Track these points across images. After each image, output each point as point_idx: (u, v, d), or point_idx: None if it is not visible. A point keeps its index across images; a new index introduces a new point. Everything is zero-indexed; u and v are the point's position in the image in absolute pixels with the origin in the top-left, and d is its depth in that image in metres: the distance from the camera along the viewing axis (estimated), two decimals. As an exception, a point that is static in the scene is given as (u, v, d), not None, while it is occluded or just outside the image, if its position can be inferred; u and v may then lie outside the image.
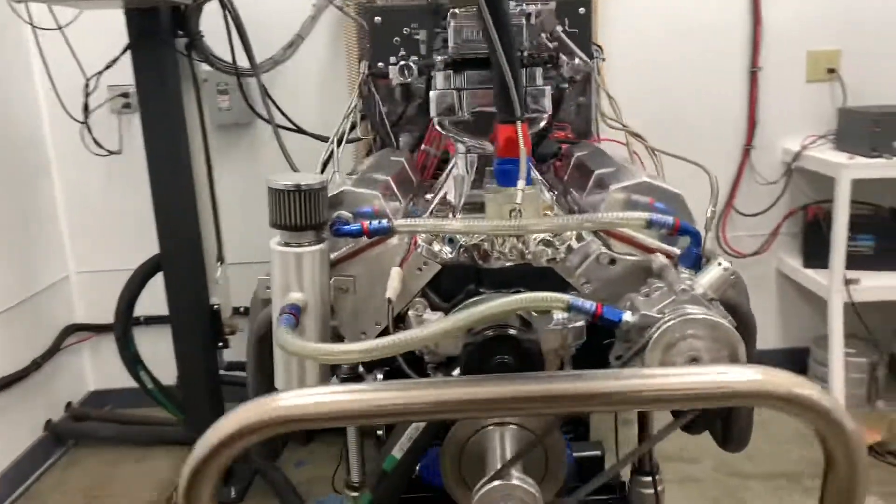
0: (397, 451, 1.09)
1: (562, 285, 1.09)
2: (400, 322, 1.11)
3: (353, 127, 2.05)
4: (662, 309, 0.92)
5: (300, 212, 1.00)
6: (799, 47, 2.93)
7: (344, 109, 1.76)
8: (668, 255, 1.06)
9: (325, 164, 1.79)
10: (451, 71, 1.10)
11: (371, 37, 1.83)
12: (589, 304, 0.94)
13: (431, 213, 1.20)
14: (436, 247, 1.10)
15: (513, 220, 1.02)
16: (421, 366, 1.08)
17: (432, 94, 1.12)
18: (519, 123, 1.04)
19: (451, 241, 1.10)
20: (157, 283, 2.34)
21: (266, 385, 1.29)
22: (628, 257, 1.05)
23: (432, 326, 0.87)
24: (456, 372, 1.04)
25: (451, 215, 1.17)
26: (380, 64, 1.81)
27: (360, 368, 1.16)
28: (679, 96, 2.93)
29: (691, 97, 2.94)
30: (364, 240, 1.08)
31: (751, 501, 2.37)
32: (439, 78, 1.11)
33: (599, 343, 1.01)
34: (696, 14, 2.89)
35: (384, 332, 1.08)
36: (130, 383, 2.55)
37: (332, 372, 1.11)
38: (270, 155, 2.49)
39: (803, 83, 2.97)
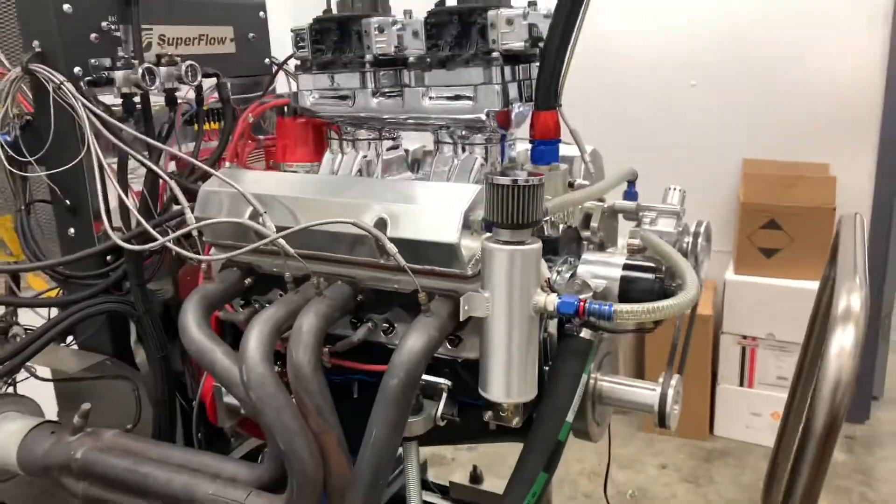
0: (571, 415, 1.07)
1: (575, 243, 1.33)
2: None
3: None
4: (677, 226, 1.33)
5: (530, 207, 0.95)
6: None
7: None
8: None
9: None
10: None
11: (59, 31, 1.27)
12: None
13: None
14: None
15: (584, 189, 1.21)
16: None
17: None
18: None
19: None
20: None
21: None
22: (609, 205, 1.37)
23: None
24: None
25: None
26: (76, 69, 1.30)
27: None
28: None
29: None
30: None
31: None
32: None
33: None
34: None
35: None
36: None
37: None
38: None
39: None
